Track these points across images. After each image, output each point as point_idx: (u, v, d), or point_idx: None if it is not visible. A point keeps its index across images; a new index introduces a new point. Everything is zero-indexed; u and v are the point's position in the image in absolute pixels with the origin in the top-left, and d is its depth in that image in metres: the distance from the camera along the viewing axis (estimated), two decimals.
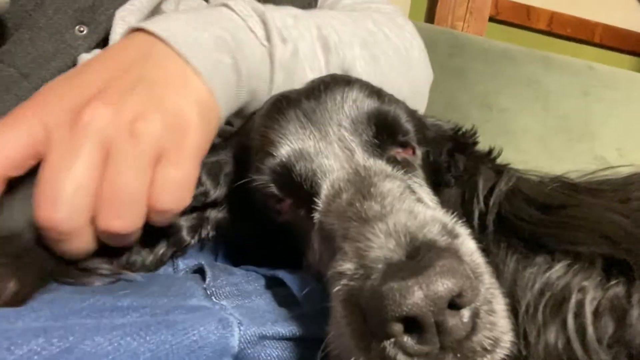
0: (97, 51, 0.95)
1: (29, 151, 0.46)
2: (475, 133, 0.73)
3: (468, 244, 0.45)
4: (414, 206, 0.47)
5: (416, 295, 0.37)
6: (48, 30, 0.77)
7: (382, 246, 0.42)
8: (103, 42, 0.97)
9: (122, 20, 0.77)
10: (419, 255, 0.40)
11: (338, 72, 0.75)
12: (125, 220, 0.47)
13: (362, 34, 0.80)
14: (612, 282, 0.42)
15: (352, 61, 0.76)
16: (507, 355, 0.43)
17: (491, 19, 1.89)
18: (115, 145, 0.46)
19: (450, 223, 0.46)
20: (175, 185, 0.49)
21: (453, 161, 0.68)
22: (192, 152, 0.51)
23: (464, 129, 0.73)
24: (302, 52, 0.71)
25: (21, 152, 0.46)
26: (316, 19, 0.76)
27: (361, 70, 0.76)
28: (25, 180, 0.48)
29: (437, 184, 0.65)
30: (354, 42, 0.77)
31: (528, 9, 1.91)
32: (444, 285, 0.37)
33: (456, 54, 1.70)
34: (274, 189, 0.59)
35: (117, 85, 0.50)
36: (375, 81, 0.67)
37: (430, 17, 1.90)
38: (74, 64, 0.80)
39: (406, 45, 0.89)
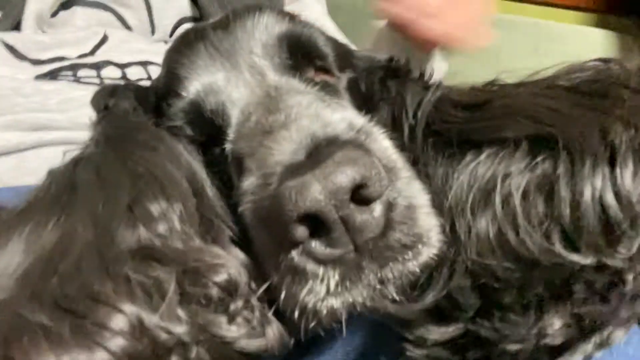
0: (10, 32, 0.90)
1: None
2: (408, 63, 0.69)
3: (381, 141, 0.41)
4: (321, 111, 0.43)
5: (313, 189, 0.33)
6: None
7: (283, 151, 0.38)
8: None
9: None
10: (318, 151, 0.36)
11: None
12: None
13: None
14: (539, 159, 0.38)
15: None
16: (436, 255, 0.39)
17: None
18: None
19: (361, 122, 0.42)
20: None
21: (385, 88, 0.64)
22: None
23: (397, 59, 0.70)
24: None
25: None
26: None
27: None
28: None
29: (368, 111, 0.62)
30: None
31: None
32: (342, 175, 0.33)
33: None
34: (187, 130, 0.54)
35: None
36: None
37: None
38: None
39: None
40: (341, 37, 1.26)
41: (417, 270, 0.38)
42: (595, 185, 0.34)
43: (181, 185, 0.44)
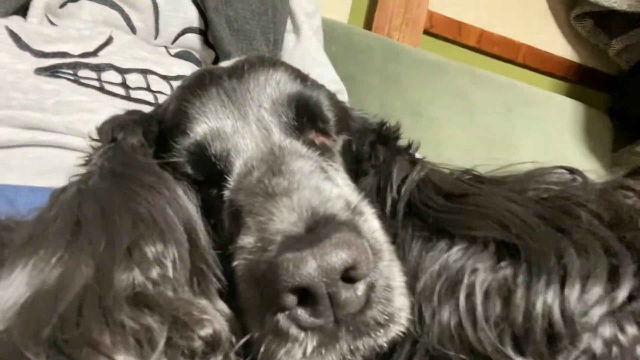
0: (15, 17, 0.90)
1: None
2: (398, 129, 0.75)
3: (371, 222, 0.46)
4: (321, 184, 0.47)
5: (309, 266, 0.37)
6: None
7: (283, 220, 0.42)
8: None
9: None
10: (318, 229, 0.40)
11: None
12: None
13: None
14: (502, 265, 0.44)
15: None
16: (402, 332, 0.44)
17: (425, 32, 1.96)
18: None
19: (355, 201, 0.47)
20: None
21: (374, 152, 0.69)
22: None
23: (388, 124, 0.75)
24: None
25: None
26: None
27: None
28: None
29: (358, 173, 0.66)
30: None
31: (460, 25, 2.00)
32: (337, 257, 0.38)
33: (392, 61, 1.75)
34: (188, 168, 0.57)
35: None
36: None
37: (368, 25, 1.94)
38: None
39: None
40: (333, 69, 1.31)
41: (385, 345, 0.43)
42: (546, 300, 0.40)
43: (178, 230, 0.47)
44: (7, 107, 0.76)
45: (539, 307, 0.40)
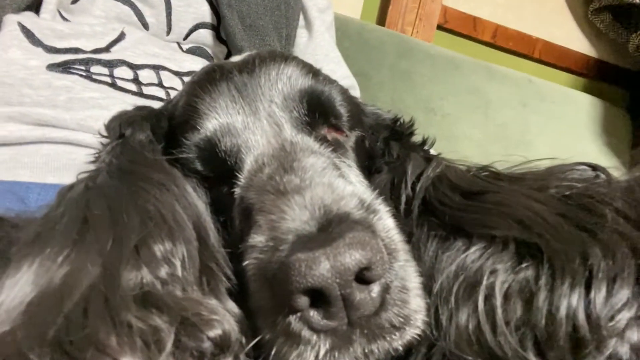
0: (28, 13, 0.90)
1: None
2: (412, 125, 0.73)
3: (386, 221, 0.44)
4: (334, 181, 0.46)
5: (322, 266, 0.36)
6: None
7: (295, 218, 0.41)
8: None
9: None
10: (331, 227, 0.39)
11: None
12: None
13: None
14: (523, 265, 0.42)
15: None
16: (418, 335, 0.42)
17: (439, 27, 1.93)
18: None
19: (369, 199, 0.45)
20: None
21: (388, 148, 0.67)
22: None
23: (402, 120, 0.73)
24: None
25: None
26: None
27: None
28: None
29: (371, 170, 0.65)
30: None
31: (475, 20, 1.97)
32: (351, 257, 0.36)
33: (405, 57, 1.72)
34: (197, 165, 0.56)
35: None
36: None
37: (381, 21, 1.92)
38: None
39: None
40: (346, 65, 1.30)
41: (400, 348, 0.41)
42: (571, 304, 0.38)
43: (187, 228, 0.46)
44: (19, 103, 0.76)
45: (563, 310, 0.38)
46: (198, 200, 0.51)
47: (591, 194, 0.47)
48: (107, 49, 0.90)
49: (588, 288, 0.38)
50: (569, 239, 0.42)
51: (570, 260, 0.40)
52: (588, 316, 0.38)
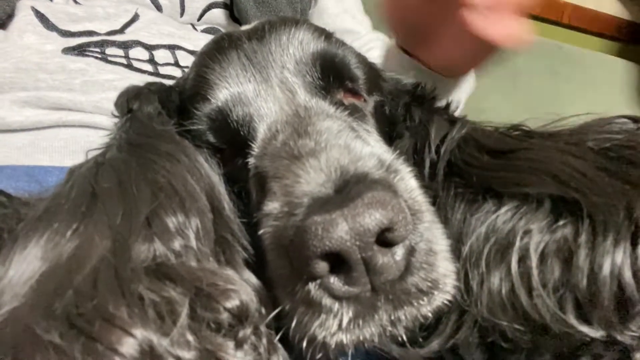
0: None
1: None
2: (434, 89, 0.69)
3: (408, 181, 0.41)
4: (351, 142, 0.43)
5: (340, 228, 0.33)
6: None
7: (310, 181, 0.38)
8: None
9: None
10: (348, 188, 0.36)
11: None
12: None
13: None
14: (560, 223, 0.39)
15: None
16: (448, 301, 0.40)
17: None
18: None
19: (389, 159, 0.42)
20: None
21: (409, 114, 0.64)
22: None
23: (424, 84, 0.70)
24: None
25: None
26: None
27: None
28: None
29: (392, 136, 0.62)
30: None
31: None
32: (371, 217, 0.33)
33: None
34: (209, 136, 0.54)
35: None
36: None
37: None
38: None
39: None
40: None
41: (430, 315, 0.39)
42: (615, 261, 0.35)
43: (200, 199, 0.44)
44: (35, 88, 0.76)
45: (606, 268, 0.35)
46: (211, 170, 0.49)
47: (634, 144, 0.43)
48: (121, 30, 0.89)
49: (634, 244, 0.35)
50: (610, 193, 0.38)
51: (613, 214, 0.36)
52: (635, 273, 0.34)
